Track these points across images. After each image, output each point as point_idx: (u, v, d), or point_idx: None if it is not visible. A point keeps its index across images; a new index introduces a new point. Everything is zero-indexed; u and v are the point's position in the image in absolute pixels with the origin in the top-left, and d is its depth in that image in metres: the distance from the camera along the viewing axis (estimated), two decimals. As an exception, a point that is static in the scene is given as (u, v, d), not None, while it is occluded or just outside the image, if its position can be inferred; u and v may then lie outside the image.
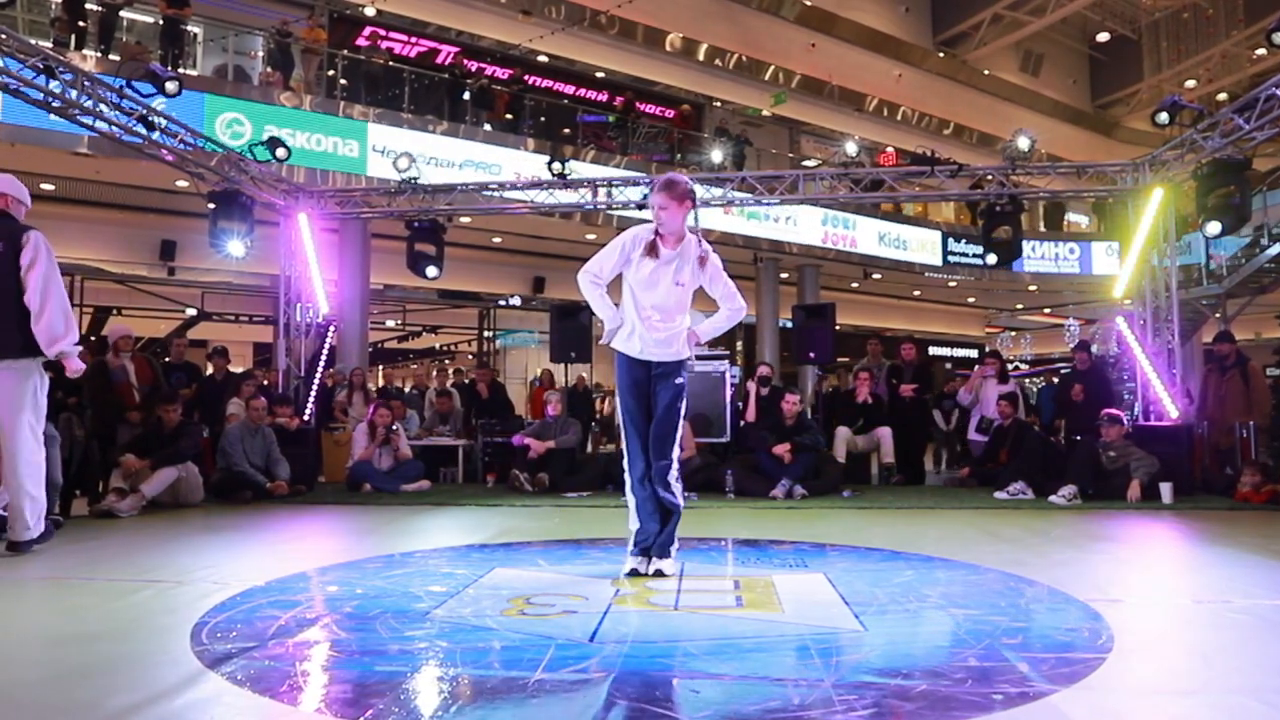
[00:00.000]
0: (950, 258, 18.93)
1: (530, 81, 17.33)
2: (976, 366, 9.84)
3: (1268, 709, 2.09)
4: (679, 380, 3.83)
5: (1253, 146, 7.62)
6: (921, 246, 18.57)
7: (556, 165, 9.40)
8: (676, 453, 3.83)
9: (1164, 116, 7.84)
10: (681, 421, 3.86)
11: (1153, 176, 8.45)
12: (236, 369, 10.60)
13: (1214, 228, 7.58)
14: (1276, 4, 7.77)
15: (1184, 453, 7.68)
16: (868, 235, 17.93)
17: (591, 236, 15.73)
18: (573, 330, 9.64)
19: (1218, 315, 15.52)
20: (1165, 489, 6.91)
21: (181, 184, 10.35)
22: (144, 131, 7.49)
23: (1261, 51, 22.22)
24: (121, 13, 11.80)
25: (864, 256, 17.91)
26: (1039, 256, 19.37)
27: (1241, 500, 6.95)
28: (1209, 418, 8.28)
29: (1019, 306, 24.76)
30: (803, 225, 16.84)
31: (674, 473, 3.79)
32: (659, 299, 3.82)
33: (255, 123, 11.58)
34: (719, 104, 20.96)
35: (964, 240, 18.82)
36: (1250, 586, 3.71)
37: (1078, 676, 2.32)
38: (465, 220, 12.68)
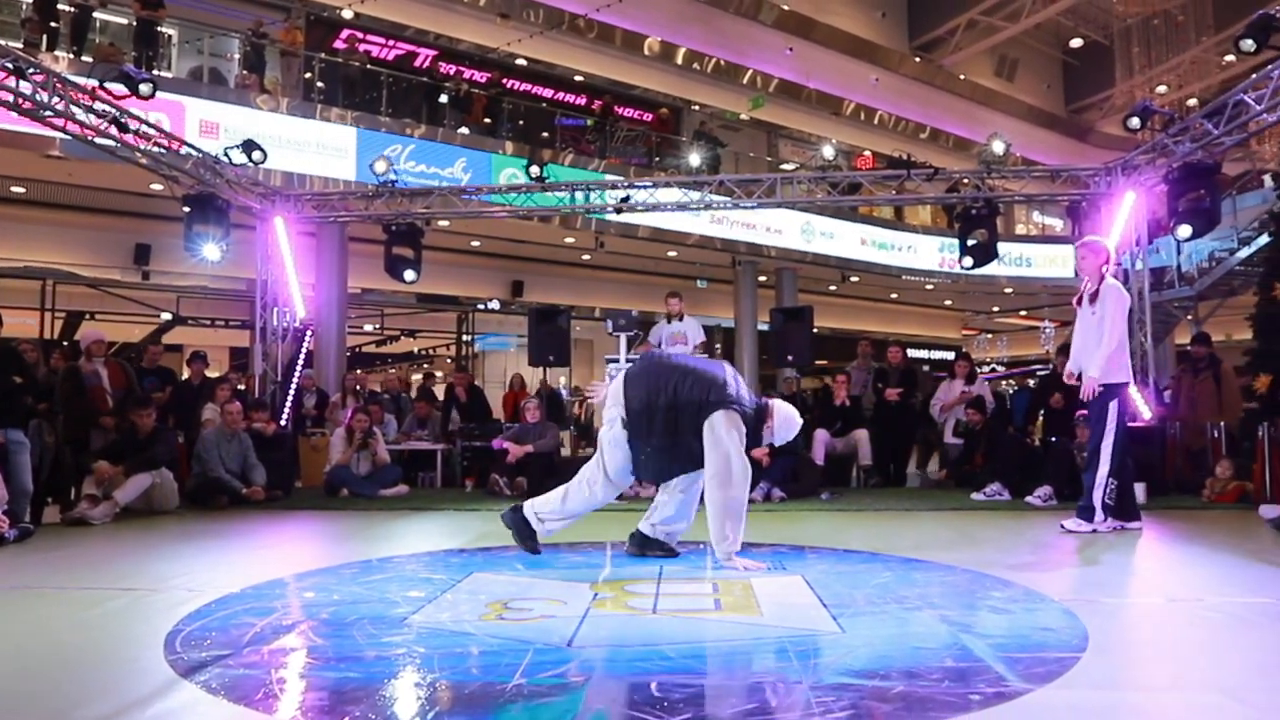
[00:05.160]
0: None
1: (508, 85, 17.29)
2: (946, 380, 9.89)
3: (1241, 706, 2.12)
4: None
5: (1222, 151, 7.75)
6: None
7: (535, 168, 9.39)
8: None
9: (1136, 121, 7.95)
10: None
11: (1125, 180, 8.56)
12: (212, 374, 10.49)
13: (1185, 231, 7.69)
14: (1245, 11, 7.90)
15: (1157, 453, 7.77)
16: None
17: (570, 240, 15.72)
18: (551, 334, 9.60)
19: (1190, 318, 15.74)
20: (1139, 489, 6.98)
21: (156, 187, 10.24)
22: (117, 134, 7.41)
23: (1231, 58, 22.53)
24: (95, 14, 11.67)
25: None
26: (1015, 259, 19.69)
27: (1211, 500, 7.05)
28: (1181, 419, 8.39)
29: (995, 309, 24.98)
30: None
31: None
32: None
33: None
34: (697, 107, 21.02)
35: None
36: (1222, 585, 3.77)
37: (1053, 675, 2.34)
38: (443, 224, 12.63)
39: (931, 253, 18.62)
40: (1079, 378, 5.34)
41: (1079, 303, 5.46)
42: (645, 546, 4.38)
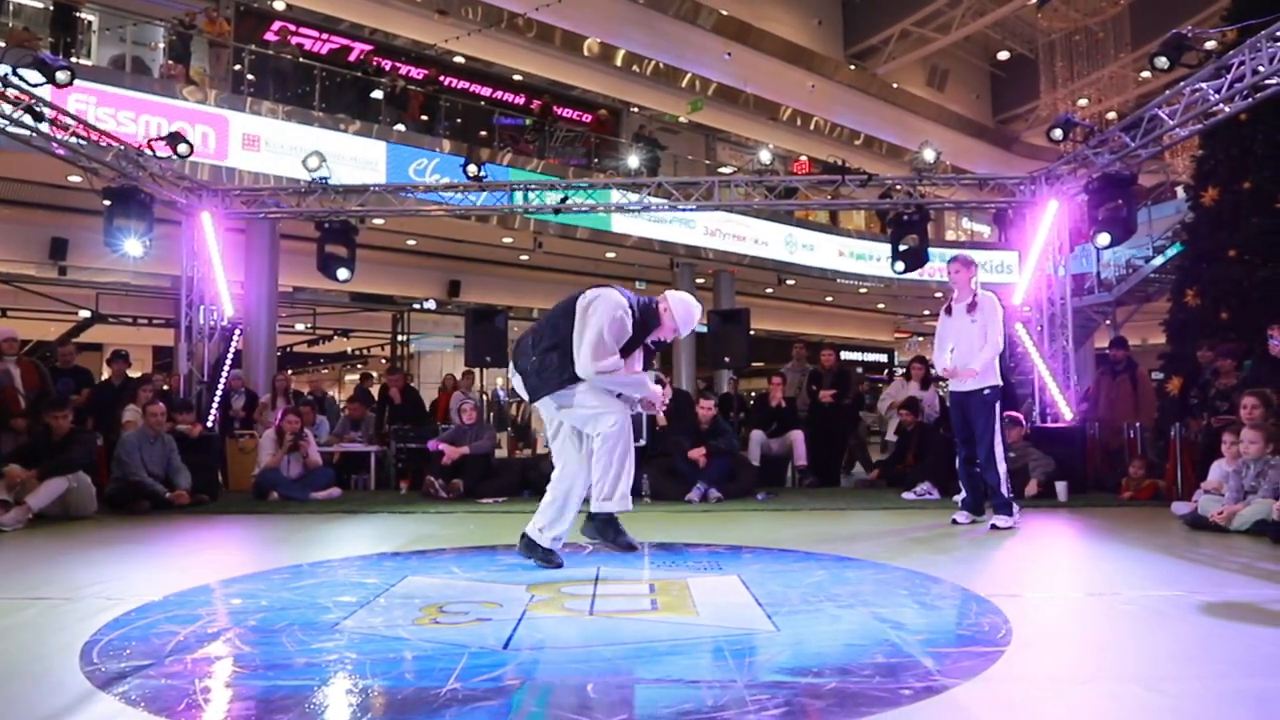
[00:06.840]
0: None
1: (446, 82, 17.09)
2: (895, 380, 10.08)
3: (1155, 695, 2.20)
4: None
5: (1138, 163, 8.06)
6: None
7: (472, 167, 9.30)
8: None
9: (1058, 133, 8.23)
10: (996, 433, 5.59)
11: (1048, 189, 8.85)
12: (134, 374, 10.13)
13: (1104, 239, 7.99)
14: (1160, 30, 8.27)
15: (1078, 453, 8.05)
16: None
17: (508, 240, 15.60)
18: (488, 334, 9.51)
19: (1108, 322, 16.37)
20: (1060, 487, 7.23)
21: (75, 179, 9.84)
22: (31, 123, 7.10)
23: (1146, 74, 23.48)
24: (8, -3, 11.19)
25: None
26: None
27: (1128, 498, 7.33)
28: (1100, 419, 8.70)
29: (925, 313, 25.57)
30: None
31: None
32: None
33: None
34: (636, 109, 21.06)
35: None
36: (1138, 579, 3.92)
37: (978, 670, 2.40)
38: (378, 222, 12.43)
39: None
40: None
41: (949, 312, 5.86)
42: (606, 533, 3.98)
